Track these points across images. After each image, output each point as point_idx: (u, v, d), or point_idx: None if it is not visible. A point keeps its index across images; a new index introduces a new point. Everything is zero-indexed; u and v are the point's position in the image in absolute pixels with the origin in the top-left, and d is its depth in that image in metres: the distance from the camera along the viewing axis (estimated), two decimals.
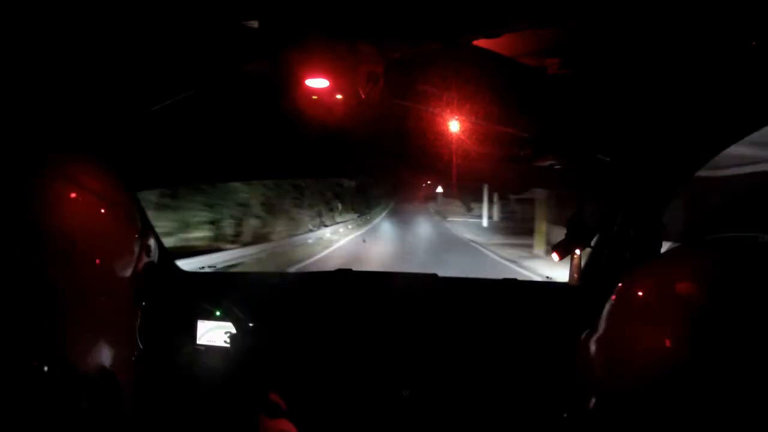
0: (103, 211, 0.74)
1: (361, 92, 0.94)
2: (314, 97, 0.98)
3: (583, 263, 1.61)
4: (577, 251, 1.57)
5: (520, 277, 1.77)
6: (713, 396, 0.45)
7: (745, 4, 0.80)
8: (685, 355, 0.48)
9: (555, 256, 1.49)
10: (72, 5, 0.80)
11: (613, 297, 0.60)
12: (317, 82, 0.94)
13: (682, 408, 0.47)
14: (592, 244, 1.54)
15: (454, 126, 1.39)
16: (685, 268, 0.55)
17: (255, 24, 0.86)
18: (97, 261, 0.72)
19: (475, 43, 1.00)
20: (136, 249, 0.80)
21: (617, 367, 0.55)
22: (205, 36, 0.93)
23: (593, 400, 0.57)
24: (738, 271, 0.50)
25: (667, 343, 0.50)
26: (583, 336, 0.63)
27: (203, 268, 1.98)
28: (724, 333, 0.46)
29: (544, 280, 1.83)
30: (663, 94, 1.14)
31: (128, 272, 0.77)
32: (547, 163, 1.51)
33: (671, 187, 1.41)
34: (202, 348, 1.65)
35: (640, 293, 0.57)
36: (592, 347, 0.60)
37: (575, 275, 1.65)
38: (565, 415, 0.65)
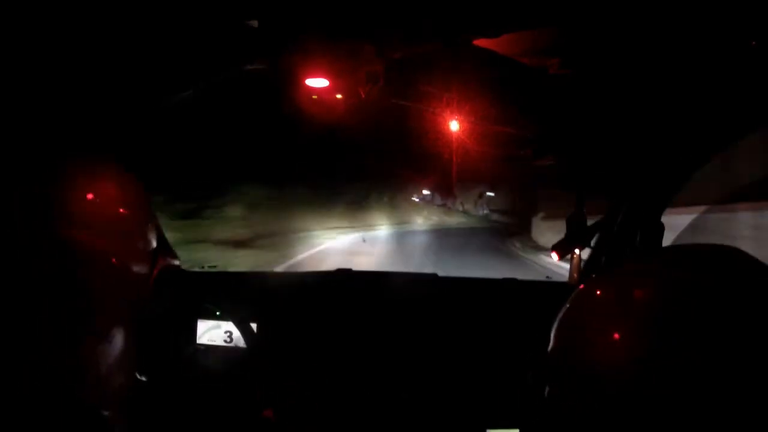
0: (123, 212, 0.74)
1: (361, 92, 0.94)
2: (314, 96, 0.98)
3: (582, 263, 1.61)
4: (577, 251, 1.56)
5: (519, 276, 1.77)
6: (661, 393, 0.46)
7: (745, 4, 0.80)
8: (637, 353, 0.49)
9: (554, 255, 1.49)
10: (73, 5, 0.81)
11: (576, 295, 0.62)
12: (317, 82, 0.94)
13: (629, 403, 0.48)
14: (592, 244, 1.54)
15: (455, 126, 1.39)
16: (644, 273, 0.56)
17: (255, 24, 0.86)
18: (114, 260, 0.71)
19: (475, 43, 1.00)
20: (154, 250, 0.80)
21: (571, 360, 0.57)
22: (205, 36, 0.93)
23: (547, 389, 0.59)
24: (696, 277, 0.51)
25: (620, 341, 0.51)
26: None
27: (203, 267, 1.98)
28: (677, 335, 0.47)
29: (544, 279, 1.83)
30: (663, 93, 1.14)
31: (145, 272, 0.77)
32: (547, 163, 1.51)
33: (671, 187, 1.41)
34: (202, 348, 1.65)
35: (599, 292, 0.59)
36: (551, 341, 0.61)
37: (575, 275, 1.65)
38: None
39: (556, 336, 0.61)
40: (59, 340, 0.64)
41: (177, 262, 0.96)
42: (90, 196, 0.71)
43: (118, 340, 0.72)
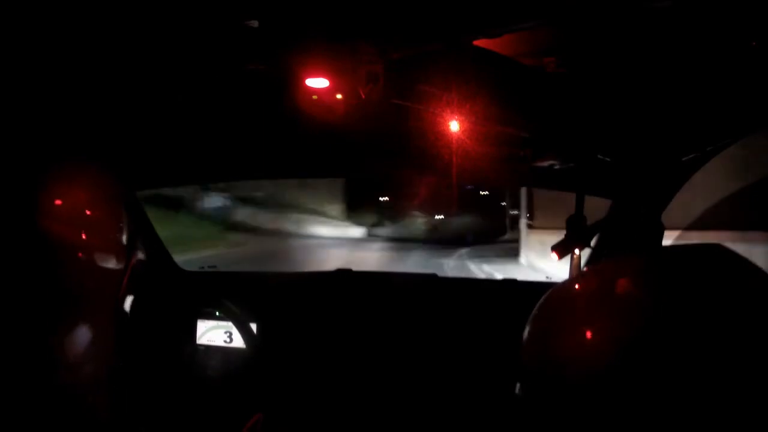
0: (90, 211, 0.76)
1: (361, 92, 0.94)
2: (314, 96, 0.98)
3: (582, 263, 1.61)
4: (577, 251, 1.56)
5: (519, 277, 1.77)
6: (637, 391, 0.46)
7: (745, 4, 0.80)
8: (613, 350, 0.48)
9: (554, 255, 1.48)
10: (73, 5, 0.81)
11: (553, 292, 0.62)
12: (317, 82, 0.94)
13: (603, 401, 0.48)
14: (592, 244, 1.54)
15: (454, 126, 1.39)
16: (625, 271, 0.56)
17: (255, 24, 0.86)
18: (80, 254, 0.73)
19: (475, 42, 0.99)
20: (125, 247, 0.81)
21: (545, 357, 0.57)
22: (204, 36, 0.93)
23: (518, 386, 0.60)
24: (677, 276, 0.51)
25: (598, 337, 0.51)
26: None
27: (203, 267, 1.98)
28: (656, 333, 0.47)
29: (545, 280, 1.83)
30: (663, 93, 1.14)
31: (117, 268, 0.79)
32: (547, 163, 1.51)
33: (671, 187, 1.41)
34: (202, 348, 1.65)
35: (577, 287, 0.59)
36: (524, 336, 0.62)
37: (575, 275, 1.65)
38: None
39: (528, 334, 0.61)
40: (32, 326, 0.66)
41: (142, 259, 0.98)
42: (63, 191, 0.73)
43: (91, 328, 0.74)
